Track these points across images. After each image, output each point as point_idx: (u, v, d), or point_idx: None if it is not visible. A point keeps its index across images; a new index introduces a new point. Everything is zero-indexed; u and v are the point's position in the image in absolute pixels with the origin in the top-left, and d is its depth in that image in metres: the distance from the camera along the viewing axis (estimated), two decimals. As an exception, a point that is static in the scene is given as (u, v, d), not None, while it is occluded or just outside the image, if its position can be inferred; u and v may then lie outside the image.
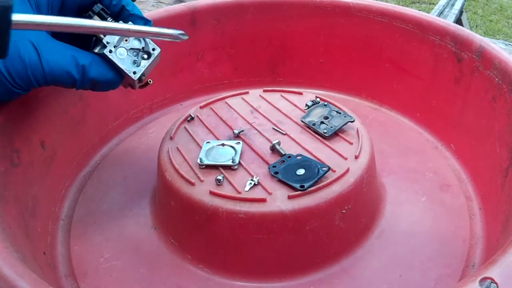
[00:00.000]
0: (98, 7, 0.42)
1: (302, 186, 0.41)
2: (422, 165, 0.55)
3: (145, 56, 0.42)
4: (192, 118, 0.52)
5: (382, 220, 0.47)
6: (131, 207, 0.50)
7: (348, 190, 0.42)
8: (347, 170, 0.43)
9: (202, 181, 0.42)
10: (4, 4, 0.21)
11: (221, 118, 0.52)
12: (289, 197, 0.40)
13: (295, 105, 0.53)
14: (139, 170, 0.55)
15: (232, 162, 0.44)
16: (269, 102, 0.54)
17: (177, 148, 0.47)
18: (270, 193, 0.41)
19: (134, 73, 0.42)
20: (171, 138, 0.49)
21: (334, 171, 0.43)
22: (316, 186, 0.41)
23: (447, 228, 0.47)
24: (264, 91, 0.57)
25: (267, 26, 0.67)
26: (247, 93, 0.56)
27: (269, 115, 0.52)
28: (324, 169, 0.42)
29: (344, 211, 0.42)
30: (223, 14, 0.65)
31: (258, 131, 0.49)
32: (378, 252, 0.44)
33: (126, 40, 0.41)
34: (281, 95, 0.56)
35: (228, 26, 0.66)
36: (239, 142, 0.47)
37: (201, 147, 0.46)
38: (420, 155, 0.57)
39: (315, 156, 0.45)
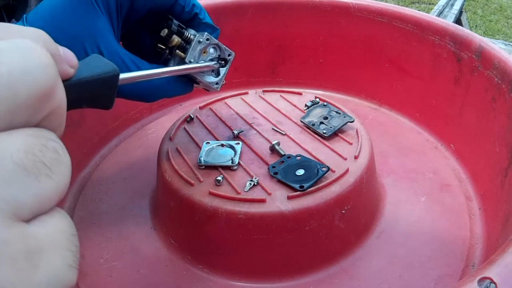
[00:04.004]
0: (175, 24, 0.40)
1: (301, 187, 0.41)
2: (422, 165, 0.55)
3: (222, 62, 0.42)
4: (192, 119, 0.52)
5: (382, 220, 0.47)
6: (130, 208, 0.50)
7: (348, 190, 0.42)
8: (347, 171, 0.43)
9: (201, 181, 0.42)
10: (115, 73, 0.25)
11: (220, 119, 0.52)
12: (289, 198, 0.40)
13: (295, 106, 0.53)
14: (139, 171, 0.55)
15: (231, 162, 0.44)
16: (268, 103, 0.54)
17: (177, 148, 0.47)
18: (269, 194, 0.41)
19: (217, 84, 0.43)
20: (170, 139, 0.49)
21: (333, 172, 0.43)
22: (316, 187, 0.41)
23: (447, 228, 0.47)
24: (264, 91, 0.57)
25: (267, 27, 0.67)
26: (246, 93, 0.56)
27: (268, 115, 0.52)
28: (324, 169, 0.42)
29: (343, 212, 0.42)
30: (223, 14, 0.65)
31: (257, 131, 0.49)
32: (378, 252, 0.44)
33: (204, 53, 0.41)
34: (280, 96, 0.56)
35: (227, 26, 0.66)
36: (238, 143, 0.47)
37: (200, 148, 0.46)
38: (420, 155, 0.57)
39: (314, 157, 0.45)
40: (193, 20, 0.41)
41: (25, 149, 0.14)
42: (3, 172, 0.14)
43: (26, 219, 0.14)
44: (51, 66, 0.16)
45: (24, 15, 0.36)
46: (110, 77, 0.24)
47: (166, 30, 0.40)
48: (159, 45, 0.41)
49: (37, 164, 0.14)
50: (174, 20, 0.40)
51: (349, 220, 0.43)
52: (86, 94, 0.23)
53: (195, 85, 0.43)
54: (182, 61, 0.40)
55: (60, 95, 0.16)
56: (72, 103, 0.18)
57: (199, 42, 0.40)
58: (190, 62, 0.40)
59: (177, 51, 0.40)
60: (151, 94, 0.40)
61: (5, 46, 0.15)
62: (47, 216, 0.15)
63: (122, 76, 0.30)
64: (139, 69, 0.38)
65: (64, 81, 0.17)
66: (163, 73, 0.37)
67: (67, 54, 0.20)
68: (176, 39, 0.40)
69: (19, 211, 0.14)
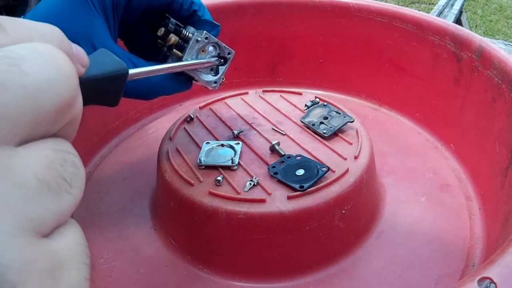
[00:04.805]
0: (172, 23, 0.39)
1: (301, 187, 0.41)
2: (422, 165, 0.55)
3: (222, 61, 0.42)
4: (192, 119, 0.52)
5: (381, 220, 0.47)
6: (130, 208, 0.50)
7: (348, 190, 0.42)
8: (347, 171, 0.43)
9: (201, 181, 0.42)
10: (124, 72, 0.24)
11: (220, 119, 0.52)
12: (289, 198, 0.40)
13: (295, 106, 0.53)
14: (139, 171, 0.55)
15: (231, 162, 0.44)
16: (268, 103, 0.54)
17: (177, 148, 0.47)
18: (269, 194, 0.41)
19: (215, 82, 0.42)
20: (170, 139, 0.49)
21: (333, 172, 0.43)
22: (316, 187, 0.41)
23: (447, 228, 0.47)
24: (264, 91, 0.57)
25: (267, 26, 0.67)
26: (246, 93, 0.56)
27: (268, 115, 0.52)
28: (324, 169, 0.42)
29: (343, 212, 0.42)
30: (223, 14, 0.65)
31: (257, 131, 0.49)
32: (378, 252, 0.44)
33: (203, 51, 0.41)
34: (280, 96, 0.56)
35: (227, 26, 0.66)
36: (238, 143, 0.47)
37: (200, 148, 0.46)
38: (420, 155, 0.57)
39: (314, 157, 0.45)
40: (192, 17, 0.41)
41: (47, 165, 0.14)
42: (27, 191, 0.13)
43: (47, 234, 0.14)
44: (74, 76, 0.15)
45: (22, 16, 0.36)
46: (119, 75, 0.24)
47: (163, 29, 0.39)
48: (159, 40, 0.41)
49: (58, 180, 0.14)
50: (172, 19, 0.40)
51: (349, 220, 0.43)
52: (94, 92, 0.22)
53: (194, 82, 0.43)
54: (179, 60, 0.40)
55: (79, 105, 0.16)
56: None
57: (197, 41, 0.40)
58: (187, 61, 0.40)
59: (174, 50, 0.40)
60: (150, 92, 0.40)
61: (27, 53, 0.14)
62: (64, 229, 0.15)
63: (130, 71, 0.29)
64: (137, 68, 0.38)
65: None
66: (164, 69, 0.36)
67: (80, 52, 0.19)
68: (173, 38, 0.39)
69: (41, 228, 0.14)
